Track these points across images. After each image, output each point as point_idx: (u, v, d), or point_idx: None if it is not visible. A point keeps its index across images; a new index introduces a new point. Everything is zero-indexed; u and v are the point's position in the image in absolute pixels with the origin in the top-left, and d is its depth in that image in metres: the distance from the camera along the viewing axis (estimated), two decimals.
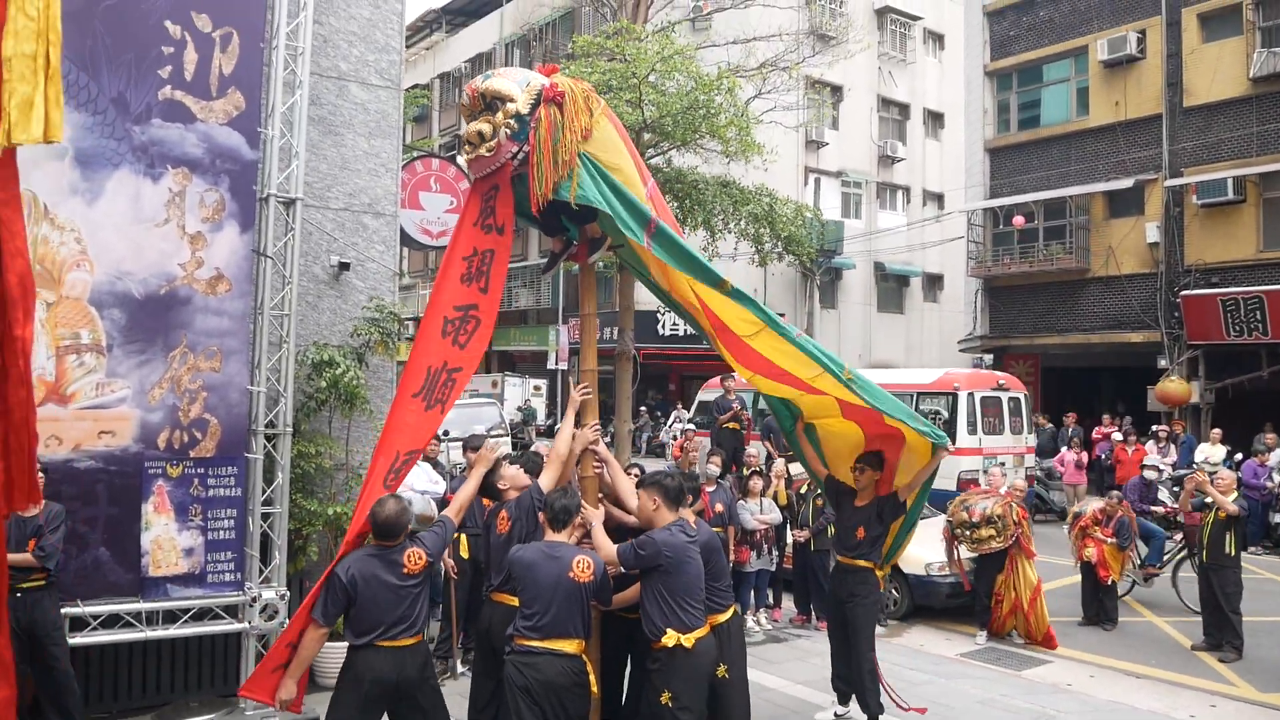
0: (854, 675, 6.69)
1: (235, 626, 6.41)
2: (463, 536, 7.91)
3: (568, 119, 4.86)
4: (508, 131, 4.81)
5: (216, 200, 6.32)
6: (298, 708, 5.08)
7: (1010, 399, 15.57)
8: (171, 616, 6.18)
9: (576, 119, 4.90)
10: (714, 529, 6.74)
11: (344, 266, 7.80)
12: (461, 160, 5.15)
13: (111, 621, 5.99)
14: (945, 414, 14.13)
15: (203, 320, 6.26)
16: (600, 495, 5.46)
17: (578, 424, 5.45)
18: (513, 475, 5.60)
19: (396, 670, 4.73)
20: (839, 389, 5.63)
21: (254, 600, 6.37)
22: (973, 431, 14.00)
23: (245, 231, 6.42)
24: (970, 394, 14.10)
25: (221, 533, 6.29)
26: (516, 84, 4.87)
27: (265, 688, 4.91)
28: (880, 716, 6.64)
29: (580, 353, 5.60)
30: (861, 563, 6.68)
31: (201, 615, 6.28)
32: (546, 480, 5.30)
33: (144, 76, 6.06)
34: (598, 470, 5.43)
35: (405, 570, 4.82)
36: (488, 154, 4.86)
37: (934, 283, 34.72)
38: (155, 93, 6.11)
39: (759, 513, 9.59)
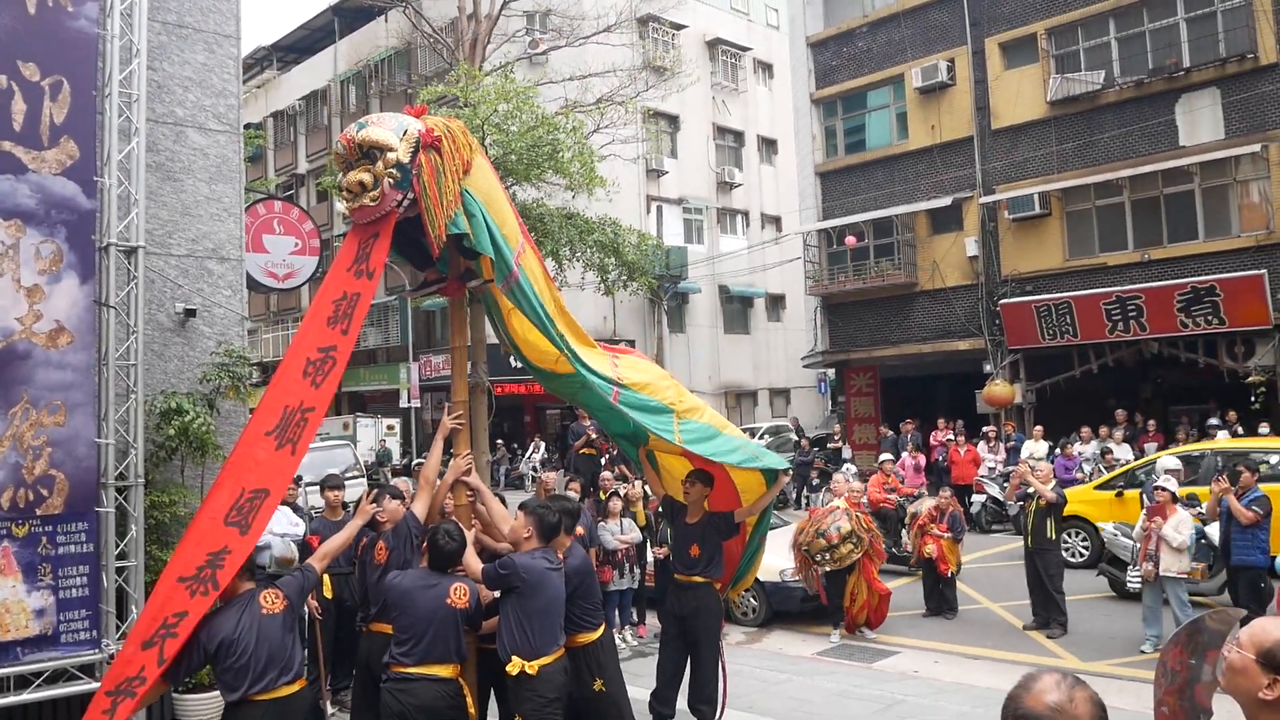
0: (702, 689, 6.77)
1: (93, 686, 6.13)
2: (325, 576, 7.88)
3: (447, 161, 4.98)
4: (391, 181, 4.86)
5: (53, 251, 6.18)
6: None
7: None
8: (24, 681, 5.96)
9: (456, 156, 5.02)
10: None
11: (190, 313, 7.70)
12: (341, 207, 5.17)
13: None
14: None
15: (44, 374, 6.10)
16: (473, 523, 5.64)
17: (450, 454, 5.61)
18: (394, 510, 5.71)
19: None
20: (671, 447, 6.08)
21: (111, 657, 6.19)
22: None
23: (86, 282, 6.30)
24: None
25: (74, 590, 6.11)
26: (393, 132, 4.90)
27: None
28: None
29: (451, 384, 5.73)
30: (698, 578, 6.74)
31: (56, 677, 6.08)
32: (419, 507, 5.41)
33: None
34: (470, 499, 5.59)
35: (264, 611, 4.73)
36: (371, 203, 4.90)
37: (777, 303, 35.99)
38: None
39: (619, 533, 9.86)
